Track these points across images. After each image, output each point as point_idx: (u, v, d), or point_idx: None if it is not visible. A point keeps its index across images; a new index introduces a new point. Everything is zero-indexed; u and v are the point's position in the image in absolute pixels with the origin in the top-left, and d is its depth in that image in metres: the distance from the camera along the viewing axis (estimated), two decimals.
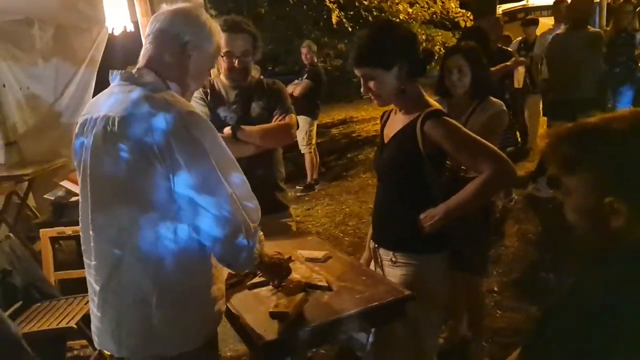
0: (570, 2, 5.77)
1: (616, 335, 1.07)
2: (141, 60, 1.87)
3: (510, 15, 12.36)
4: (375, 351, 2.21)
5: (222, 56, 2.74)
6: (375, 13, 9.94)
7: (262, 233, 1.88)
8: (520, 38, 7.87)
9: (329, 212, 6.67)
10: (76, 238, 3.34)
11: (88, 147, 1.78)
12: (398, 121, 2.24)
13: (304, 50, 7.73)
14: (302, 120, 7.26)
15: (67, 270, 3.88)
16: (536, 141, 7.30)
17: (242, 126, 2.77)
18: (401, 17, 9.74)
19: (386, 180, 2.35)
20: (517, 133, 6.84)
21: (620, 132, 1.16)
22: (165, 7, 1.90)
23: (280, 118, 2.87)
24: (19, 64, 5.75)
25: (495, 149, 2.11)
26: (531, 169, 6.51)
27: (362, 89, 2.19)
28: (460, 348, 3.38)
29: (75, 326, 3.10)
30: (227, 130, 2.74)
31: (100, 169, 1.76)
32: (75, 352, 3.69)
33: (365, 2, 9.84)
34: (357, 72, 2.17)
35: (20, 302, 3.30)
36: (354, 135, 11.27)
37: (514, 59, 5.48)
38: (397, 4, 9.92)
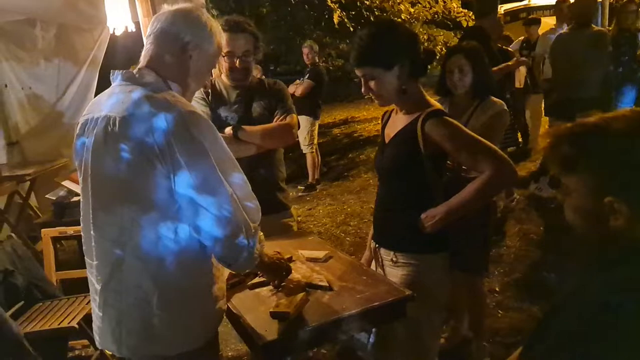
0: (574, 2, 5.76)
1: (617, 335, 1.07)
2: (142, 60, 1.88)
3: (512, 14, 12.34)
4: (376, 351, 2.22)
5: (224, 56, 2.74)
6: (377, 13, 9.92)
7: (262, 233, 1.88)
8: (522, 38, 7.86)
9: (331, 212, 6.67)
10: (78, 238, 3.33)
11: (89, 147, 1.78)
12: (399, 121, 2.24)
13: (305, 50, 7.73)
14: (304, 120, 7.27)
15: (68, 270, 3.89)
16: (537, 141, 7.30)
17: (243, 126, 2.77)
18: (403, 17, 9.73)
19: (387, 180, 2.35)
20: (519, 133, 6.84)
21: (620, 131, 1.16)
22: (166, 7, 1.90)
23: (281, 118, 2.87)
24: (21, 64, 5.77)
25: (496, 149, 2.11)
26: (532, 169, 6.52)
27: (362, 89, 2.18)
28: (461, 348, 3.38)
29: (76, 326, 3.11)
30: (228, 130, 2.74)
31: (101, 169, 1.76)
32: (77, 352, 3.70)
33: (367, 2, 9.83)
34: (357, 72, 2.17)
35: (22, 302, 3.31)
36: (355, 135, 11.27)
37: (515, 58, 5.47)
38: (399, 3, 9.90)
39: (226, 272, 1.98)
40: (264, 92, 2.94)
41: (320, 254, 2.42)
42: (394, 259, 2.26)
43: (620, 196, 1.14)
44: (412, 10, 10.12)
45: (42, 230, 3.80)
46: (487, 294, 3.86)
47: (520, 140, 7.14)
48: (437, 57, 5.20)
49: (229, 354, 3.58)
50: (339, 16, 9.14)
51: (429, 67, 2.29)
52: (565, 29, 6.25)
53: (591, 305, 1.13)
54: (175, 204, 1.69)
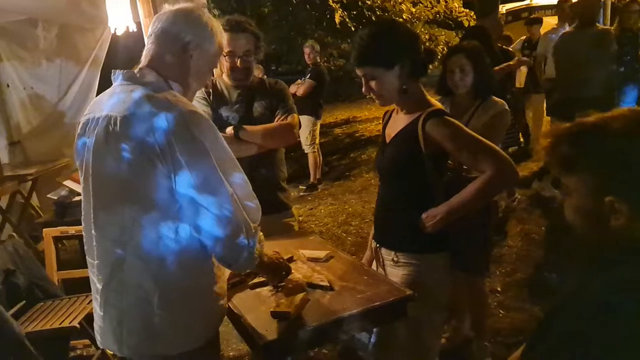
0: (577, 1, 5.75)
1: (617, 335, 1.07)
2: (143, 60, 1.88)
3: (514, 14, 12.34)
4: (377, 351, 2.22)
5: (225, 56, 2.75)
6: (378, 12, 9.92)
7: (262, 233, 1.88)
8: (524, 37, 7.85)
9: (332, 211, 6.67)
10: (79, 237, 3.35)
11: (90, 146, 1.78)
12: (400, 121, 2.24)
13: (306, 50, 7.73)
14: (306, 120, 7.27)
15: (70, 270, 3.90)
16: (539, 141, 7.28)
17: (244, 126, 2.77)
18: (404, 17, 9.72)
19: (388, 179, 2.35)
20: (519, 133, 6.83)
21: (619, 131, 1.16)
22: (167, 7, 1.90)
23: (282, 118, 2.87)
24: (23, 64, 5.79)
25: (497, 148, 2.11)
26: (534, 169, 6.52)
27: (363, 89, 2.18)
28: (463, 348, 3.38)
29: (78, 326, 3.11)
30: (230, 130, 2.75)
31: (102, 169, 1.76)
32: (78, 352, 3.70)
33: (369, 2, 9.82)
34: (358, 71, 2.17)
35: (24, 302, 3.31)
36: (357, 135, 11.28)
37: (517, 58, 5.47)
38: (400, 3, 9.90)
39: (227, 271, 1.98)
40: (265, 91, 2.94)
41: (321, 253, 2.42)
42: (395, 258, 2.26)
43: (620, 196, 1.13)
44: (413, 10, 10.11)
45: (44, 229, 3.81)
46: (489, 294, 3.86)
47: (521, 140, 7.13)
48: (439, 57, 5.19)
49: (230, 353, 3.58)
50: (340, 16, 9.14)
51: (430, 67, 2.29)
52: (567, 28, 6.24)
53: (591, 305, 1.13)
54: (176, 204, 1.69)
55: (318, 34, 10.70)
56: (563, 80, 5.58)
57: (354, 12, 9.75)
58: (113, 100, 1.78)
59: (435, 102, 2.23)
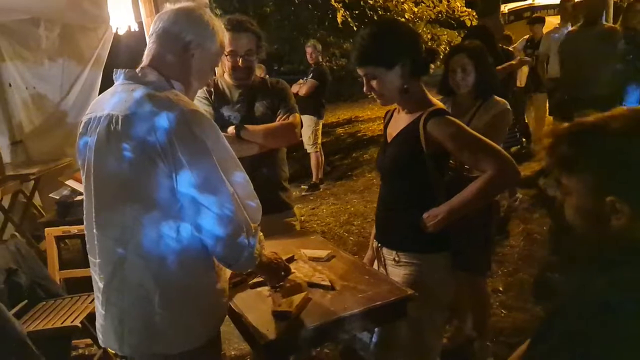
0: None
1: (617, 335, 1.07)
2: (145, 59, 1.88)
3: (516, 14, 12.33)
4: (378, 351, 2.21)
5: (226, 55, 2.74)
6: (380, 12, 9.92)
7: (262, 234, 1.88)
8: (527, 36, 7.84)
9: (334, 211, 6.67)
10: (81, 237, 3.33)
11: (92, 146, 1.79)
12: (401, 120, 2.24)
13: (309, 49, 7.73)
14: (308, 119, 7.27)
15: (72, 269, 3.90)
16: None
17: (246, 125, 2.77)
18: (406, 16, 9.72)
19: (389, 179, 2.34)
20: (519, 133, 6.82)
21: (618, 130, 1.15)
22: (168, 7, 1.90)
23: (284, 117, 2.87)
24: (25, 64, 5.80)
25: (499, 148, 2.10)
26: (536, 168, 6.50)
27: (364, 88, 2.18)
28: (464, 348, 3.37)
29: (79, 325, 3.12)
30: (231, 129, 2.75)
31: (104, 168, 1.77)
32: (80, 351, 3.70)
33: (371, 2, 9.82)
34: (359, 71, 2.16)
35: (26, 301, 3.31)
36: (359, 134, 11.28)
37: (519, 58, 5.46)
38: (403, 3, 9.90)
39: (228, 271, 1.98)
40: (267, 91, 2.94)
41: (323, 253, 2.42)
42: (396, 258, 2.25)
43: (621, 196, 1.13)
44: (415, 9, 10.12)
45: (46, 229, 3.82)
46: (491, 293, 3.86)
47: (522, 140, 7.11)
48: (441, 57, 5.19)
49: (232, 353, 3.58)
50: (342, 15, 9.15)
51: (432, 66, 2.28)
52: (569, 28, 6.23)
53: (591, 305, 1.12)
54: (177, 203, 1.70)
55: (320, 34, 10.71)
56: (568, 79, 5.55)
57: (356, 12, 9.75)
58: (115, 100, 1.78)
59: (437, 101, 2.22)
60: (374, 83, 2.13)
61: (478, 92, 3.02)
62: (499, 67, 4.50)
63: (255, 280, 2.21)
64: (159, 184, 1.68)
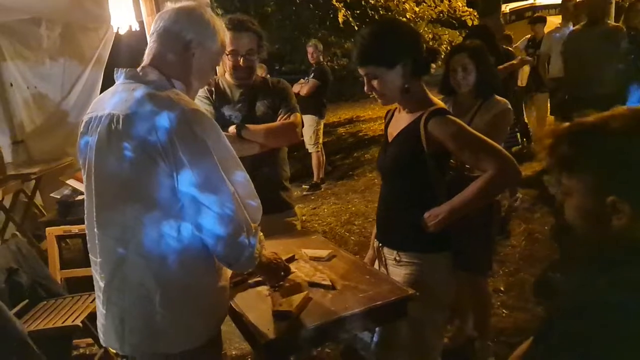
0: None
1: (617, 335, 1.06)
2: (146, 58, 1.88)
3: (518, 13, 12.33)
4: (379, 350, 2.21)
5: (227, 55, 2.74)
6: (381, 12, 9.92)
7: (262, 233, 1.88)
8: (528, 36, 7.84)
9: (335, 211, 6.67)
10: (82, 236, 3.35)
11: (93, 145, 1.79)
12: (402, 120, 2.23)
13: (310, 49, 7.73)
14: (309, 119, 7.27)
15: (73, 269, 3.91)
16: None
17: (247, 125, 2.76)
18: (408, 16, 9.72)
19: (390, 179, 2.34)
20: (518, 134, 6.81)
21: (618, 130, 1.15)
22: (169, 6, 1.90)
23: (285, 117, 2.87)
24: (27, 63, 5.80)
25: (500, 147, 2.10)
26: (537, 168, 6.48)
27: (365, 88, 2.18)
28: (466, 347, 3.37)
29: (80, 324, 3.12)
30: (232, 129, 2.74)
31: (105, 167, 1.76)
32: (81, 350, 3.71)
33: (372, 1, 9.82)
34: (360, 70, 2.16)
35: (27, 301, 3.32)
36: (360, 134, 11.28)
37: (520, 57, 5.45)
38: (404, 2, 9.90)
39: (229, 270, 1.97)
40: (268, 91, 2.94)
41: (324, 252, 2.41)
42: (397, 258, 2.25)
43: (622, 195, 1.13)
44: (417, 9, 10.11)
45: (47, 228, 3.82)
46: (492, 293, 3.85)
47: (520, 140, 7.09)
48: (442, 56, 5.18)
49: (233, 352, 3.58)
50: (343, 15, 9.15)
51: (434, 66, 2.28)
52: (571, 27, 6.21)
53: (592, 305, 1.12)
54: (178, 202, 1.70)
55: (321, 33, 10.71)
56: (571, 78, 5.53)
57: (358, 12, 9.75)
58: (115, 99, 1.78)
59: (438, 101, 2.22)
60: (375, 83, 2.13)
61: (479, 91, 3.02)
62: (500, 66, 4.49)
63: (256, 279, 2.20)
64: (159, 184, 1.68)
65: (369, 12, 9.81)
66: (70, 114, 5.99)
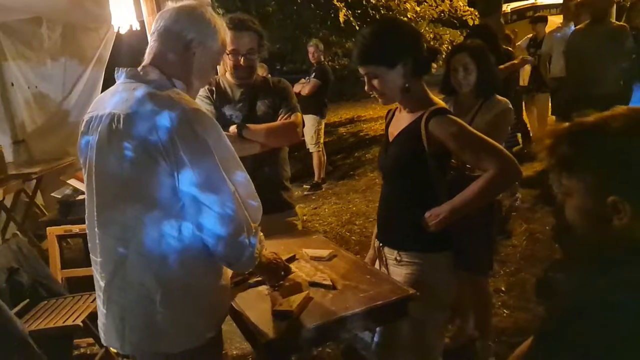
0: None
1: (617, 335, 1.06)
2: (146, 57, 1.88)
3: (519, 13, 12.32)
4: (380, 350, 2.21)
5: (228, 54, 2.74)
6: (382, 11, 9.92)
7: (262, 233, 1.88)
8: (530, 35, 7.83)
9: (336, 211, 6.67)
10: (83, 236, 3.36)
11: (93, 144, 1.79)
12: (402, 119, 2.23)
13: (311, 49, 7.72)
14: (310, 119, 7.27)
15: (73, 268, 3.91)
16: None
17: (248, 124, 2.76)
18: (409, 16, 9.72)
19: (391, 178, 2.34)
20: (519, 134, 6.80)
21: (618, 130, 1.15)
22: (170, 5, 1.90)
23: (285, 117, 2.87)
24: (28, 63, 5.81)
25: (501, 147, 2.09)
26: (538, 168, 6.48)
27: (366, 87, 2.17)
28: (467, 347, 3.37)
29: (81, 324, 3.12)
30: (233, 128, 2.74)
31: (106, 167, 1.76)
32: (82, 350, 3.71)
33: (373, 1, 9.82)
34: (361, 70, 2.16)
35: (27, 300, 3.31)
36: (361, 134, 11.27)
37: (521, 57, 5.44)
38: (405, 2, 9.89)
39: (229, 270, 1.97)
40: (269, 90, 2.93)
41: (324, 252, 2.41)
42: (398, 257, 2.25)
43: (622, 195, 1.13)
44: (418, 9, 10.11)
45: (48, 228, 3.82)
46: (493, 293, 3.85)
47: (519, 141, 7.08)
48: (443, 56, 5.17)
49: (234, 352, 3.58)
50: (344, 15, 9.14)
51: (435, 65, 2.27)
52: (572, 27, 6.20)
53: (592, 305, 1.12)
54: (179, 202, 1.70)
55: (322, 33, 10.71)
56: (574, 77, 5.50)
57: (359, 11, 9.75)
58: (116, 99, 1.78)
59: (439, 100, 2.22)
60: (375, 82, 2.13)
61: (480, 91, 3.02)
62: (502, 66, 4.49)
63: (258, 278, 2.20)
64: (160, 183, 1.68)
65: (370, 11, 9.81)
66: (71, 113, 6.00)
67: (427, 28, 10.44)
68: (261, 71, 3.55)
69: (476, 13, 10.00)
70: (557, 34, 6.91)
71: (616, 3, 8.09)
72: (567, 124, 1.26)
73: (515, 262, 4.54)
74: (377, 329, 2.20)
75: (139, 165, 1.68)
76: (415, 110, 2.17)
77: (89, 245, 1.90)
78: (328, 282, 2.11)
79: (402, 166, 2.21)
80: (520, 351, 1.47)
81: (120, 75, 1.85)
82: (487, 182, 2.03)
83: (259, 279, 2.18)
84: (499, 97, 3.02)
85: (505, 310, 3.78)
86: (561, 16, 7.73)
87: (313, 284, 2.11)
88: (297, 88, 7.12)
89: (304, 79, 7.61)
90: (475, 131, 2.11)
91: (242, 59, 2.78)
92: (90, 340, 3.55)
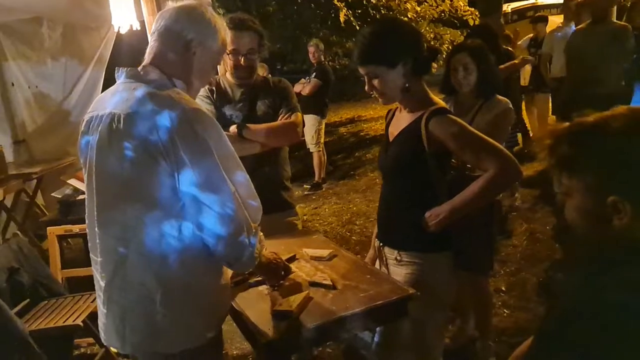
0: None
1: (617, 335, 1.06)
2: (146, 57, 1.88)
3: (519, 13, 12.33)
4: (380, 350, 2.21)
5: (228, 54, 2.74)
6: (383, 11, 9.92)
7: (262, 233, 1.88)
8: (531, 35, 7.82)
9: (336, 210, 6.67)
10: (83, 236, 3.35)
11: (93, 144, 1.79)
12: (403, 119, 2.23)
13: (311, 49, 7.72)
14: (311, 119, 7.27)
15: (74, 268, 3.91)
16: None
17: (248, 124, 2.76)
18: (409, 16, 9.72)
19: (391, 178, 2.34)
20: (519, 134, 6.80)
21: (618, 130, 1.15)
22: (171, 5, 1.90)
23: (285, 116, 2.87)
24: (28, 63, 5.81)
25: (501, 147, 2.09)
26: (538, 168, 6.48)
27: (366, 87, 2.17)
28: (467, 347, 3.37)
29: (81, 324, 3.12)
30: (233, 128, 2.74)
31: (106, 166, 1.76)
32: (82, 350, 3.71)
33: (374, 1, 9.82)
34: (361, 70, 2.15)
35: (28, 300, 3.32)
36: (362, 134, 11.26)
37: (521, 57, 5.43)
38: (405, 2, 9.89)
39: (229, 270, 1.97)
40: (269, 90, 2.93)
41: (325, 252, 2.41)
42: (398, 257, 2.25)
43: (622, 195, 1.13)
44: (418, 8, 10.10)
45: (48, 228, 3.82)
46: (493, 293, 3.85)
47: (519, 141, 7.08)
48: (443, 56, 5.17)
49: (234, 352, 3.58)
50: (345, 15, 9.14)
51: (435, 65, 2.27)
52: (573, 27, 6.19)
53: (592, 305, 1.12)
54: (179, 202, 1.70)
55: (323, 33, 10.70)
56: (574, 77, 5.49)
57: (359, 11, 9.74)
58: (116, 98, 1.78)
59: (439, 100, 2.22)
60: (375, 82, 2.13)
61: (480, 91, 3.01)
62: (502, 66, 4.49)
63: (258, 278, 2.20)
64: (160, 183, 1.68)
65: (371, 11, 9.80)
66: (71, 113, 6.00)
67: (427, 28, 10.44)
68: (261, 71, 3.55)
69: (476, 13, 9.99)
70: (557, 33, 6.90)
71: (617, 2, 8.09)
72: (567, 124, 1.26)
73: (516, 262, 4.53)
74: (377, 328, 2.20)
75: (139, 165, 1.68)
76: (416, 110, 2.17)
77: (89, 244, 1.90)
78: (328, 282, 2.10)
79: (402, 166, 2.21)
80: (520, 351, 1.47)
81: (121, 75, 1.86)
82: (487, 182, 2.03)
83: (259, 278, 2.18)
84: (500, 97, 3.02)
85: (505, 310, 3.78)
86: (562, 16, 7.71)
87: (313, 284, 2.11)
88: (297, 88, 7.12)
89: (305, 78, 7.61)
90: (475, 131, 2.11)
91: (242, 59, 2.78)
92: (91, 340, 3.55)
